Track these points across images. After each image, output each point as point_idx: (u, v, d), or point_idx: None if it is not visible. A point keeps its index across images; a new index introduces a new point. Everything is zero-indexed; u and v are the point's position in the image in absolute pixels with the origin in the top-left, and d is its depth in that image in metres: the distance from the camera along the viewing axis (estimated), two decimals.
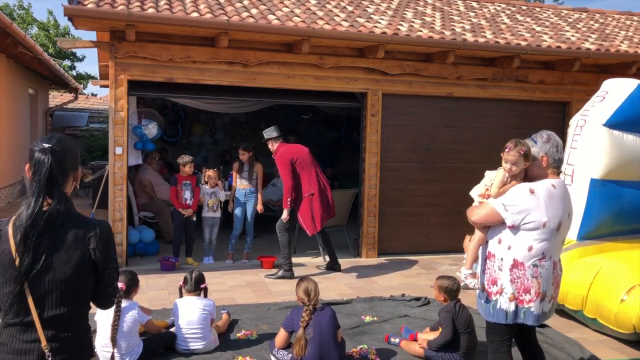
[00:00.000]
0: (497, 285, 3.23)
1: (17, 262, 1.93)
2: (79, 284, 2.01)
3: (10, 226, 1.97)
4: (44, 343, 1.93)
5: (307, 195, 6.62)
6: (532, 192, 3.17)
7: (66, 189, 2.07)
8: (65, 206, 2.01)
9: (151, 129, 7.92)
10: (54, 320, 1.97)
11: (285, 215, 6.65)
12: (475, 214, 3.35)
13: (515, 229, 3.17)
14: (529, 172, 3.30)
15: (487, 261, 3.30)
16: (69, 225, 2.00)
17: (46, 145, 2.01)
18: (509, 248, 3.20)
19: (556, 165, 3.30)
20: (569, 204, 3.28)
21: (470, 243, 3.45)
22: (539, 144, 3.28)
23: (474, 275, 3.40)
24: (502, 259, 3.22)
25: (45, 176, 1.98)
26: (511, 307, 3.19)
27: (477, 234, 3.37)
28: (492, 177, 3.47)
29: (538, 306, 3.19)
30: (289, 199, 6.58)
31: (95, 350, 2.21)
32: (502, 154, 3.29)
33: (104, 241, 2.03)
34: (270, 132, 6.82)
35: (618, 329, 4.61)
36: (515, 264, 3.17)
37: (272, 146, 6.81)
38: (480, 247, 3.40)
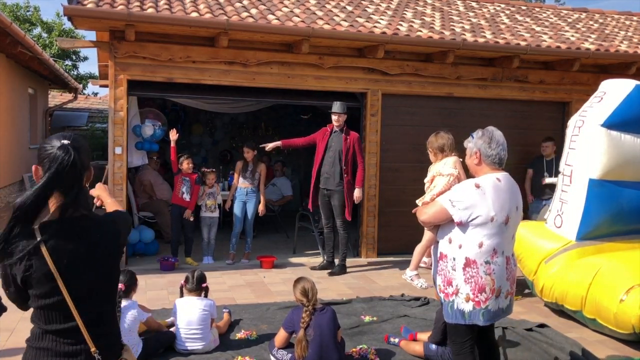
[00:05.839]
0: (452, 286, 3.19)
1: (54, 271, 1.85)
2: (116, 277, 2.05)
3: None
4: (93, 348, 1.91)
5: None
6: (477, 186, 3.16)
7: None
8: (87, 206, 1.96)
9: (146, 130, 7.88)
10: (96, 320, 1.95)
11: (359, 194, 6.88)
12: (424, 214, 3.30)
13: (464, 226, 3.14)
14: (469, 169, 3.30)
15: (440, 262, 3.26)
16: (98, 225, 1.97)
17: (66, 142, 1.90)
18: (460, 247, 3.16)
19: (492, 161, 3.26)
20: (516, 197, 3.25)
21: (419, 244, 3.39)
22: (474, 140, 3.30)
23: (418, 275, 3.37)
24: (454, 259, 3.18)
25: (64, 171, 1.86)
26: (468, 307, 3.14)
27: (427, 234, 3.31)
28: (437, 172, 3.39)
29: (494, 303, 3.15)
30: (364, 180, 6.89)
31: None
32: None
33: (128, 227, 2.13)
34: (344, 107, 6.95)
35: (617, 329, 4.62)
36: (468, 263, 3.13)
37: (340, 121, 6.92)
38: (432, 248, 3.34)
